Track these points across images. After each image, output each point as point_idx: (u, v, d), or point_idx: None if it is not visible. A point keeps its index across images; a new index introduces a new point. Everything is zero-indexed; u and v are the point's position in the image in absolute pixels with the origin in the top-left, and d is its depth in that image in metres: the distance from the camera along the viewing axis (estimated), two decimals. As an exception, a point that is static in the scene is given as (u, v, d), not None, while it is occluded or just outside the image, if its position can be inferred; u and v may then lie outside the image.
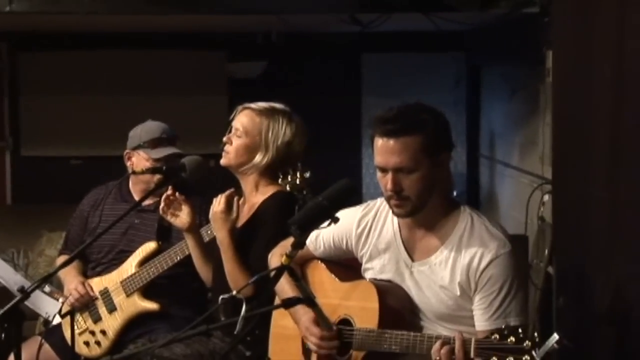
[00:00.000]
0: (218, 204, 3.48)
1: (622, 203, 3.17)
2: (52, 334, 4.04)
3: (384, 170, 2.81)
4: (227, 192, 3.50)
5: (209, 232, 3.69)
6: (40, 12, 5.04)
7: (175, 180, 3.50)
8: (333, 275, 3.12)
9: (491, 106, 7.00)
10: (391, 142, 2.77)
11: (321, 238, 3.13)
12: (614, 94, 3.24)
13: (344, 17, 5.56)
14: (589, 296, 3.40)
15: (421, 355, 2.72)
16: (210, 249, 3.69)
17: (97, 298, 4.03)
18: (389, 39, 6.97)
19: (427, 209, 2.83)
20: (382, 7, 5.24)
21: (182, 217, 3.69)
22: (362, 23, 5.76)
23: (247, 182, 3.58)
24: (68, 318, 3.71)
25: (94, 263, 4.13)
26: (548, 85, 4.73)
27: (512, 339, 2.47)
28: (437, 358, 2.61)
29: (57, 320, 4.05)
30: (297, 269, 3.04)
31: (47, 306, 4.15)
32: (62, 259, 4.20)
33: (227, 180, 3.61)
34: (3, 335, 2.74)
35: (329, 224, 2.69)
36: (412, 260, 2.91)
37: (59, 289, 4.24)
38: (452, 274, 2.81)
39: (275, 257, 3.22)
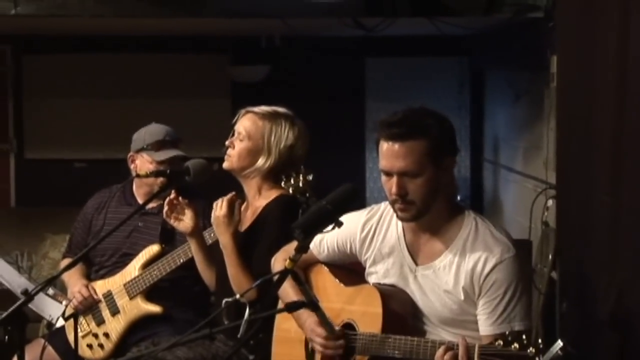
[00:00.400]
0: (220, 208, 3.48)
1: (626, 208, 3.17)
2: (55, 336, 4.05)
3: (388, 174, 2.81)
4: (229, 196, 3.50)
5: (211, 234, 3.69)
6: (45, 15, 5.05)
7: (178, 183, 3.50)
8: (337, 280, 3.12)
9: (495, 111, 6.99)
10: (396, 146, 2.77)
11: (325, 242, 3.13)
12: (617, 99, 3.24)
13: (347, 21, 5.56)
14: (592, 301, 3.40)
15: (424, 360, 2.72)
16: (213, 253, 3.69)
17: (100, 301, 4.03)
18: (393, 43, 6.97)
19: (431, 213, 2.83)
20: (386, 12, 5.24)
21: (185, 221, 3.70)
22: (366, 27, 5.75)
23: (250, 186, 3.58)
24: (71, 321, 3.71)
25: (97, 266, 4.14)
26: (552, 90, 4.73)
27: (516, 345, 2.46)
28: None
29: (60, 323, 4.06)
30: (300, 272, 3.04)
31: (51, 309, 4.15)
32: (65, 261, 4.20)
33: (230, 184, 3.61)
34: (6, 337, 2.74)
35: (333, 228, 2.69)
36: (416, 264, 2.90)
37: (62, 291, 4.25)
38: (456, 278, 2.81)
39: (278, 262, 3.21)
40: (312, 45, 7.03)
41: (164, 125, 4.14)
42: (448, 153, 2.85)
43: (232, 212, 3.47)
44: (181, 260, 3.84)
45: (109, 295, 4.02)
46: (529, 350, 2.44)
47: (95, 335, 4.02)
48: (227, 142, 3.58)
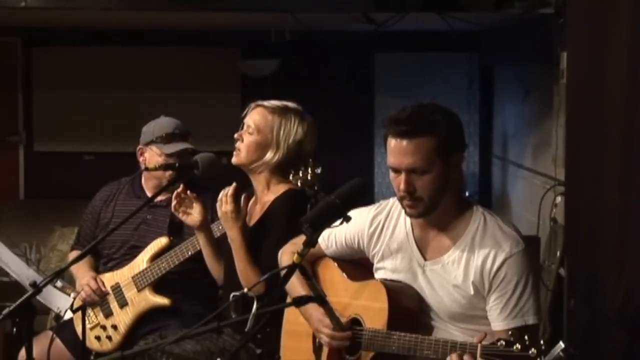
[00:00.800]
0: (226, 203, 3.47)
1: (635, 205, 3.16)
2: (64, 328, 4.06)
3: (396, 170, 2.80)
4: (232, 190, 3.48)
5: (219, 227, 3.70)
6: (55, 8, 5.06)
7: (187, 177, 3.51)
8: (344, 274, 3.12)
9: (504, 107, 6.98)
10: (404, 142, 2.77)
11: (333, 236, 3.13)
12: (627, 96, 3.23)
13: (358, 16, 5.56)
14: (600, 298, 3.39)
15: (428, 358, 2.71)
16: (221, 246, 3.69)
17: (108, 293, 4.04)
18: (403, 38, 6.97)
19: (440, 209, 2.83)
20: (396, 7, 5.23)
21: (193, 215, 3.70)
22: (376, 22, 5.75)
23: (259, 181, 3.58)
24: (79, 313, 3.72)
25: (105, 258, 4.14)
26: (562, 86, 4.72)
27: (518, 345, 2.46)
28: None
29: (68, 315, 4.07)
30: (307, 266, 3.04)
31: (59, 301, 4.16)
32: (74, 254, 4.21)
33: (239, 178, 3.60)
34: (15, 329, 2.75)
35: (341, 223, 2.69)
36: (425, 259, 2.90)
37: (70, 284, 4.26)
38: (466, 273, 2.81)
39: (286, 255, 3.22)
40: (322, 39, 7.03)
41: (173, 118, 4.14)
42: (456, 149, 2.84)
43: (239, 206, 3.47)
44: (189, 253, 3.85)
45: (117, 288, 4.03)
46: (530, 352, 2.44)
47: (104, 328, 4.03)
48: (236, 135, 3.58)
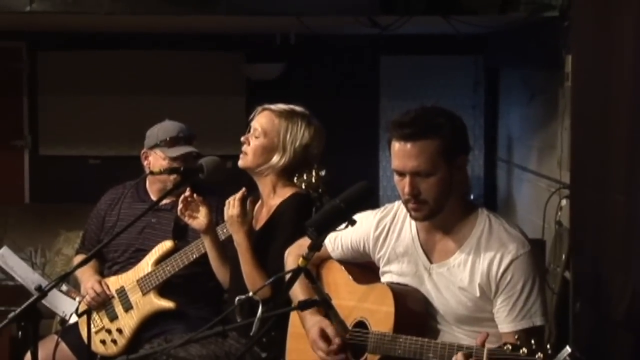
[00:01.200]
0: (233, 207, 3.48)
1: (641, 208, 3.16)
2: (69, 332, 4.06)
3: (401, 174, 2.80)
4: (240, 194, 3.49)
5: (224, 230, 3.70)
6: (60, 12, 5.06)
7: (192, 181, 3.51)
8: (350, 277, 3.11)
9: (509, 110, 6.98)
10: (408, 145, 2.77)
11: (339, 240, 3.12)
12: (633, 99, 3.23)
13: (362, 20, 5.56)
14: (606, 301, 3.39)
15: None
16: (226, 250, 3.69)
17: (113, 297, 4.04)
18: (408, 41, 6.97)
19: (445, 211, 2.83)
20: (401, 10, 5.23)
21: (200, 218, 3.70)
22: (381, 25, 5.76)
23: (265, 184, 3.58)
24: (84, 317, 3.72)
25: (110, 262, 4.15)
26: (567, 89, 4.72)
27: (525, 350, 2.45)
28: None
29: (73, 319, 4.06)
30: (312, 269, 3.03)
31: (64, 305, 4.16)
32: (79, 258, 4.21)
33: (243, 181, 3.60)
34: (20, 333, 2.75)
35: (346, 227, 2.70)
36: (431, 262, 2.90)
37: (76, 288, 4.26)
38: (472, 275, 2.81)
39: (292, 256, 3.22)
40: (327, 43, 7.04)
41: (178, 122, 4.15)
42: (460, 151, 2.84)
43: (245, 210, 3.48)
44: (194, 256, 3.85)
45: (122, 291, 4.03)
46: (537, 356, 2.43)
47: (109, 331, 4.03)
48: (242, 138, 3.58)
